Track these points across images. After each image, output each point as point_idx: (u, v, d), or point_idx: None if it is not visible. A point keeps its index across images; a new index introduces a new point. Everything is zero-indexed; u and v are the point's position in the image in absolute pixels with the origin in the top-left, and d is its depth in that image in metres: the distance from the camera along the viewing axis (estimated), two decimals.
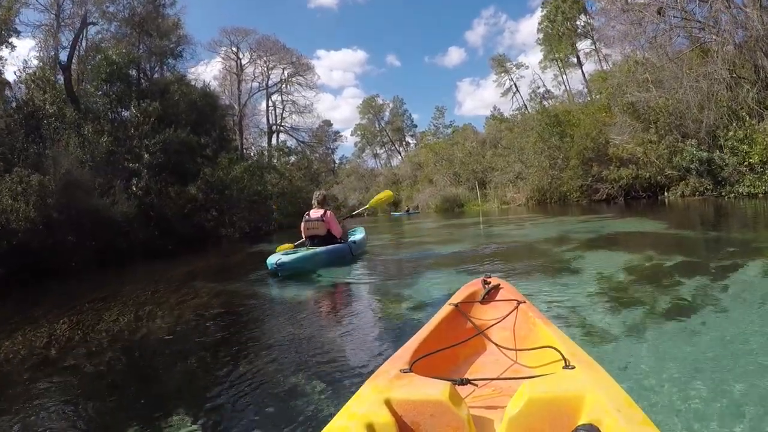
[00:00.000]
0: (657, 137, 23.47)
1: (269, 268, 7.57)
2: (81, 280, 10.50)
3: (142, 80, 22.75)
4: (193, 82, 26.18)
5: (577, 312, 3.97)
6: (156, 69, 24.95)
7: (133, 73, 21.96)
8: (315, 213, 8.63)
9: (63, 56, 20.11)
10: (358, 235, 10.65)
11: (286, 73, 53.94)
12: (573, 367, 1.52)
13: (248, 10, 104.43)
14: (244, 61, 50.00)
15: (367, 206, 11.93)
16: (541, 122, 34.46)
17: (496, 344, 2.20)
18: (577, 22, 49.35)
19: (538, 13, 50.65)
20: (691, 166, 21.36)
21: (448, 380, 1.49)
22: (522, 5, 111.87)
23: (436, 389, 1.40)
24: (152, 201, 17.79)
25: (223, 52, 48.74)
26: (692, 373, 2.55)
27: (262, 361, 3.55)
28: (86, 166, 15.04)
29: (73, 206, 12.55)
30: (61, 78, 18.70)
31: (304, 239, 8.82)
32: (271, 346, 4.00)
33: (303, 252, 8.08)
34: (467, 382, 1.65)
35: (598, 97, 37.06)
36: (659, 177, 24.17)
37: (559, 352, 1.67)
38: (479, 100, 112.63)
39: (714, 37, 20.37)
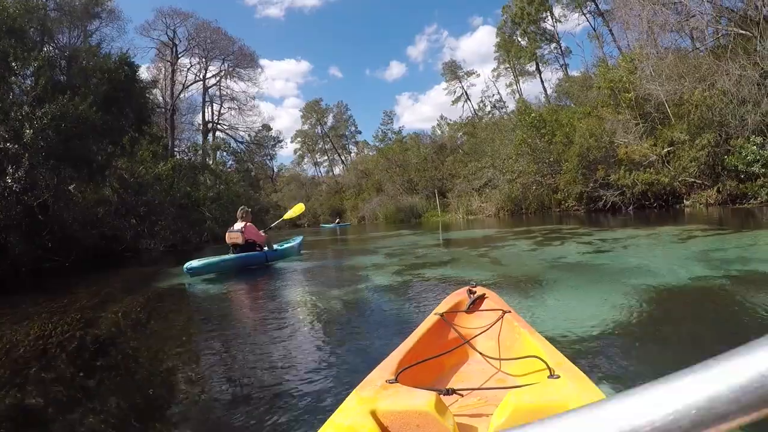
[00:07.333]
0: (688, 135, 20.38)
1: (185, 271, 8.81)
2: None
3: (47, 44, 18.21)
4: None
5: None
6: (78, 41, 20.45)
7: (37, 38, 17.49)
8: (237, 225, 9.95)
9: None
10: (288, 243, 12.33)
11: (226, 64, 49.26)
12: (558, 377, 1.52)
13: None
14: (180, 49, 44.94)
15: (282, 219, 13.55)
16: (526, 123, 31.52)
17: (482, 354, 2.19)
18: (543, 25, 48.01)
19: (480, 31, 50.51)
20: (752, 168, 18.17)
21: (433, 390, 1.48)
22: (463, 24, 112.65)
23: (421, 400, 1.40)
24: (44, 200, 13.27)
25: (156, 36, 43.49)
26: None
27: (237, 379, 3.36)
28: None
29: None
30: None
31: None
32: (240, 365, 3.70)
33: (210, 258, 9.46)
34: (453, 392, 1.67)
35: (564, 99, 34.89)
36: (675, 183, 21.26)
37: (544, 361, 1.67)
38: (418, 114, 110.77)
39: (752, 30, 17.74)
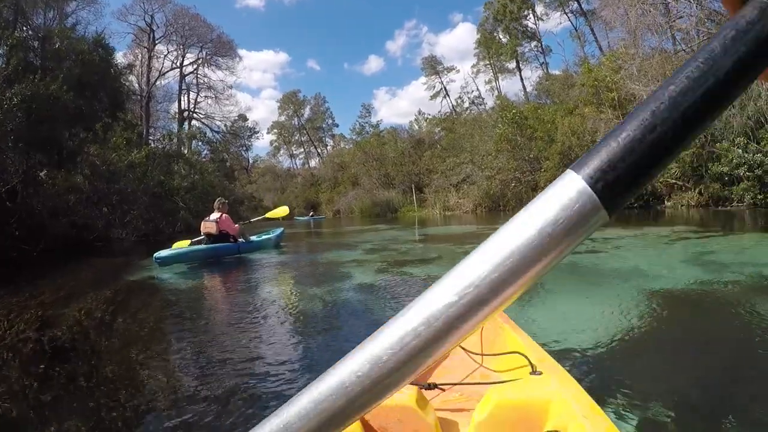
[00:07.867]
0: None
1: (154, 261, 8.87)
2: None
3: (21, 25, 17.66)
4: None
5: None
6: (53, 24, 19.84)
7: (10, 17, 16.93)
8: (213, 215, 10.22)
9: None
10: (266, 235, 12.54)
11: (204, 52, 48.55)
12: (540, 373, 1.53)
13: None
14: (157, 35, 44.11)
15: (264, 217, 13.68)
16: (507, 119, 31.48)
17: (464, 349, 2.17)
18: (525, 23, 48.24)
19: (459, 28, 51.06)
20: (735, 172, 18.37)
21: (415, 384, 1.48)
22: (443, 20, 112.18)
23: (403, 394, 1.38)
24: (13, 186, 12.85)
25: (134, 21, 42.63)
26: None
27: (208, 381, 3.15)
28: None
29: None
30: None
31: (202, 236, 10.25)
32: (211, 366, 3.48)
33: (180, 248, 9.49)
34: (434, 386, 1.66)
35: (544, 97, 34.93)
36: (657, 184, 21.48)
37: (526, 357, 1.67)
38: (395, 109, 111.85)
39: None
